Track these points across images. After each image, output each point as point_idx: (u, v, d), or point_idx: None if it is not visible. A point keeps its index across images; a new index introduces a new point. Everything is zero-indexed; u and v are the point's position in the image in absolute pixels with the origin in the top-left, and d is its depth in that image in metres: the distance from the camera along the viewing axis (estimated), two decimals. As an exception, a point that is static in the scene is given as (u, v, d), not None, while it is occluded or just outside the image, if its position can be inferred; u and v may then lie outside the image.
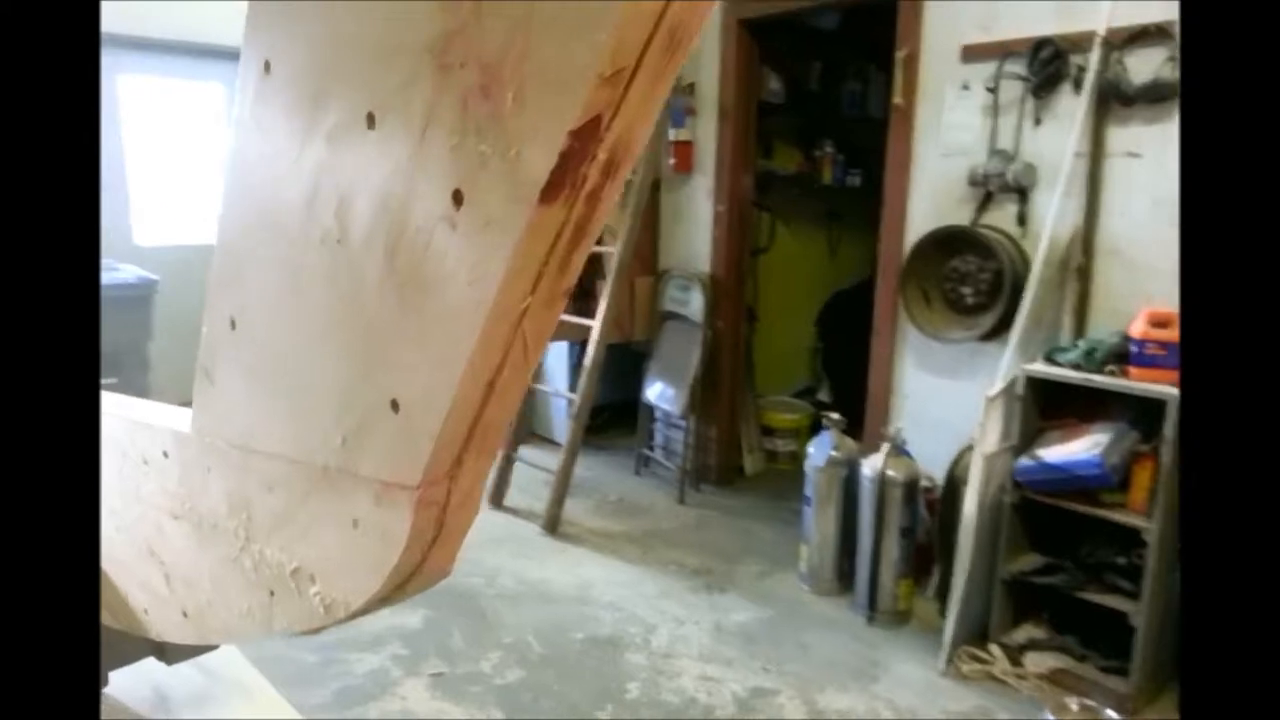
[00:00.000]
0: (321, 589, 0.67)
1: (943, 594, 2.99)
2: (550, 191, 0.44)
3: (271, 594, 0.74)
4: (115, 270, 3.89)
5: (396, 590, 0.62)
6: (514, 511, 3.88)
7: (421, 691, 2.59)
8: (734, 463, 4.30)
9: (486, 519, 3.81)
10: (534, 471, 3.99)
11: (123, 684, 1.31)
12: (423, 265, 0.51)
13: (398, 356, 0.55)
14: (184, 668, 1.34)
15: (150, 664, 1.25)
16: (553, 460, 3.80)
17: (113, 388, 1.29)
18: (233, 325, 0.71)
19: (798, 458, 4.36)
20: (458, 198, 0.48)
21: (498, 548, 3.53)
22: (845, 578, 3.16)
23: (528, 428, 4.50)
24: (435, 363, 0.52)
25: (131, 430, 0.96)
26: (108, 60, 4.28)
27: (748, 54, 3.93)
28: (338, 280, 0.58)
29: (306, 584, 0.69)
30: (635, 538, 3.66)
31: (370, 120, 0.52)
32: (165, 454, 0.88)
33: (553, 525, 3.67)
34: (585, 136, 0.42)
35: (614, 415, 4.71)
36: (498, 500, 3.93)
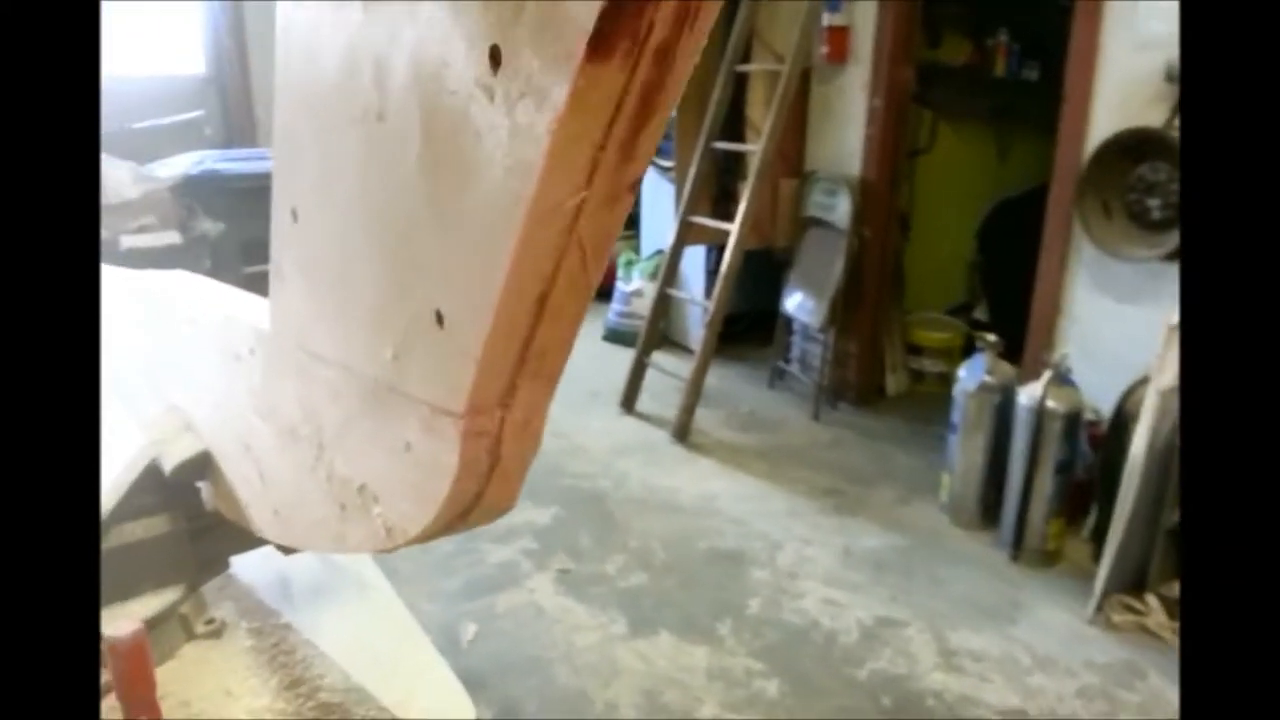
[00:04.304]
0: (383, 511, 0.61)
1: (1098, 537, 2.76)
2: (603, 44, 0.32)
3: (342, 508, 0.69)
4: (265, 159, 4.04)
5: (457, 520, 0.56)
6: (644, 417, 3.86)
7: (548, 586, 2.65)
8: (875, 381, 4.09)
9: (617, 424, 3.82)
10: (665, 379, 3.94)
11: (250, 568, 1.36)
12: (459, 145, 0.41)
13: (439, 259, 0.46)
14: (308, 557, 1.37)
15: (273, 552, 1.29)
16: (685, 368, 3.73)
17: (256, 277, 1.29)
18: (294, 217, 0.64)
19: (946, 380, 4.09)
20: (495, 57, 0.37)
21: (627, 453, 3.53)
22: (990, 511, 2.96)
23: (662, 333, 4.44)
24: (476, 270, 0.43)
25: (225, 323, 0.93)
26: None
27: (917, -71, 3.53)
28: (377, 163, 0.49)
29: (371, 503, 0.63)
30: (765, 453, 3.56)
31: (402, -39, 0.42)
32: (251, 351, 0.85)
33: (682, 434, 3.63)
34: (650, -32, 0.30)
35: (750, 325, 4.57)
36: (629, 405, 3.92)
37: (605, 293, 4.94)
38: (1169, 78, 2.68)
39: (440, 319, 0.47)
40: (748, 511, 3.09)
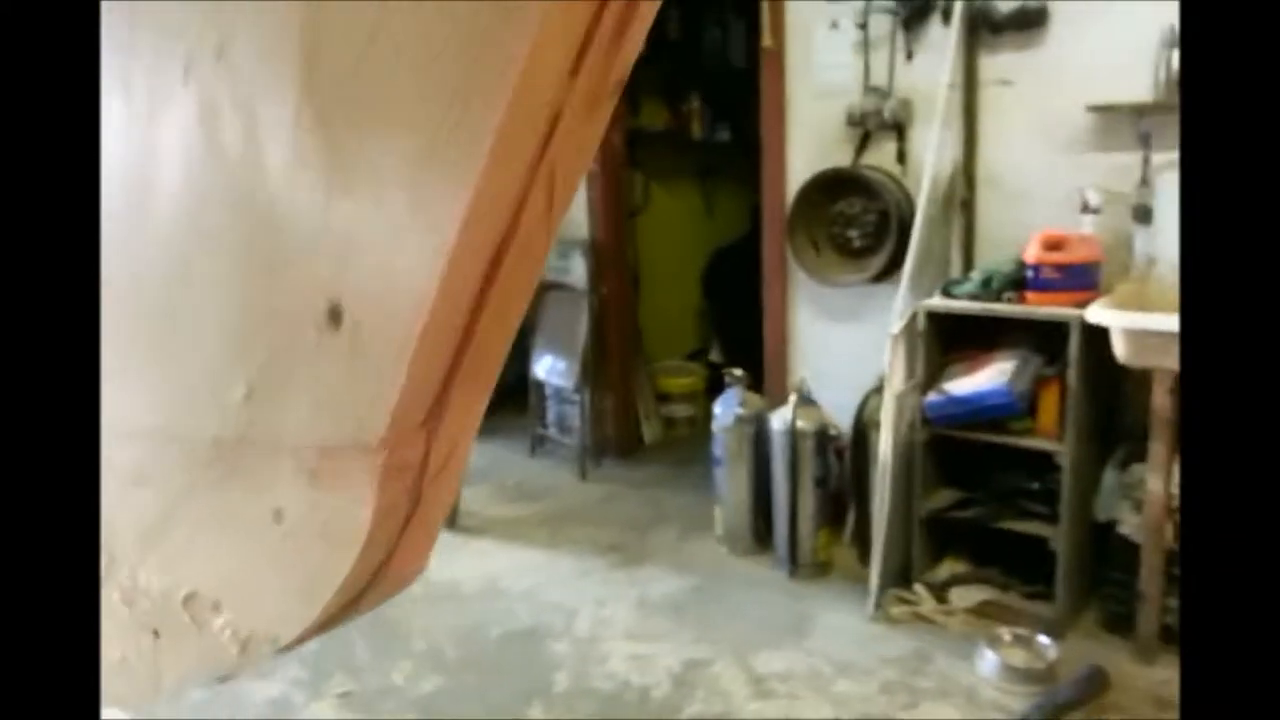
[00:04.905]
0: (232, 619, 0.46)
1: (859, 539, 2.97)
2: None
3: (156, 635, 0.52)
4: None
5: (348, 607, 0.43)
6: (405, 509, 3.60)
7: (330, 715, 2.34)
8: (633, 433, 4.16)
9: (375, 521, 3.52)
10: (422, 464, 3.72)
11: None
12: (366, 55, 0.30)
13: (334, 231, 0.35)
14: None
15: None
16: (442, 450, 3.54)
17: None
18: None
19: (696, 422, 4.27)
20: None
21: (392, 550, 3.26)
22: (762, 535, 3.09)
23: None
24: (403, 230, 0.32)
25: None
26: None
27: None
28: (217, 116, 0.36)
29: (208, 614, 0.48)
30: (541, 520, 3.47)
31: None
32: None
33: (450, 518, 3.42)
34: None
35: (501, 396, 4.46)
36: (385, 499, 3.64)
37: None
38: (849, 121, 3.04)
39: (335, 316, 0.36)
40: (536, 584, 2.97)
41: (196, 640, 0.49)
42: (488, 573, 3.06)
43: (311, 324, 0.37)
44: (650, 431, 4.23)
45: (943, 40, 2.78)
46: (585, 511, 3.54)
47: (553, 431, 4.12)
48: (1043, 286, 2.45)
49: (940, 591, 2.69)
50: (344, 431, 0.38)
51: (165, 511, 0.48)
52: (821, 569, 2.95)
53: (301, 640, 0.45)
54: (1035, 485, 2.54)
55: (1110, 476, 2.50)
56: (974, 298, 2.57)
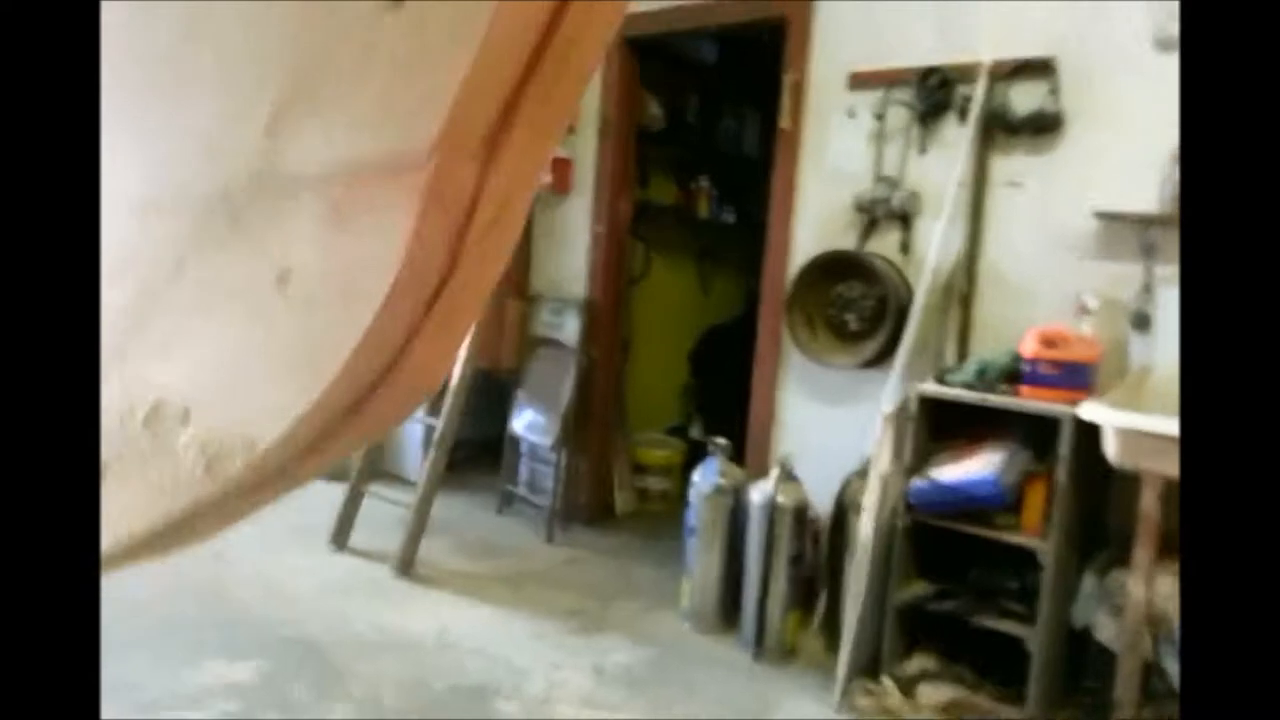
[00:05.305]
0: (201, 431, 0.39)
1: (828, 627, 2.86)
2: None
3: (107, 471, 0.44)
4: None
5: (347, 413, 0.35)
6: (361, 553, 3.45)
7: (254, 753, 2.16)
8: (605, 501, 4.05)
9: (328, 561, 3.37)
10: (380, 510, 3.58)
11: None
12: None
13: None
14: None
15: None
16: (404, 498, 3.42)
17: None
18: None
19: (670, 497, 4.18)
20: None
21: (344, 593, 3.10)
22: (729, 613, 2.97)
23: (376, 463, 4.07)
24: None
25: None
26: None
27: (630, 72, 3.84)
28: None
29: (173, 429, 0.40)
30: (501, 578, 3.32)
31: None
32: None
33: (407, 566, 3.28)
34: None
35: (473, 453, 4.36)
36: (341, 541, 3.49)
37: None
38: (857, 207, 3.08)
39: None
40: (489, 641, 2.82)
41: (155, 465, 0.41)
42: (440, 625, 2.91)
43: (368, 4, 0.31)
44: (623, 501, 4.12)
45: (957, 138, 2.84)
46: (548, 574, 3.40)
47: (523, 490, 4.01)
48: (1038, 381, 2.43)
49: (909, 686, 2.57)
50: (387, 141, 0.31)
51: (144, 302, 0.41)
52: (788, 653, 2.83)
53: (284, 454, 0.37)
54: (1015, 584, 2.47)
55: (1089, 582, 2.43)
56: (968, 386, 2.55)
